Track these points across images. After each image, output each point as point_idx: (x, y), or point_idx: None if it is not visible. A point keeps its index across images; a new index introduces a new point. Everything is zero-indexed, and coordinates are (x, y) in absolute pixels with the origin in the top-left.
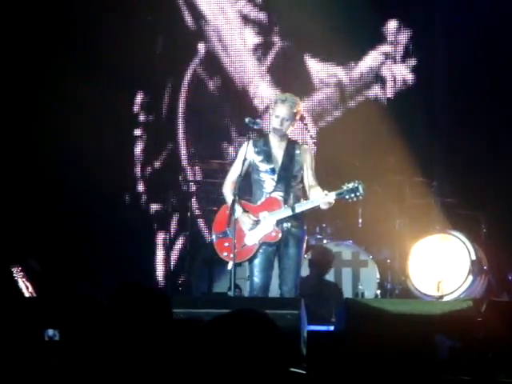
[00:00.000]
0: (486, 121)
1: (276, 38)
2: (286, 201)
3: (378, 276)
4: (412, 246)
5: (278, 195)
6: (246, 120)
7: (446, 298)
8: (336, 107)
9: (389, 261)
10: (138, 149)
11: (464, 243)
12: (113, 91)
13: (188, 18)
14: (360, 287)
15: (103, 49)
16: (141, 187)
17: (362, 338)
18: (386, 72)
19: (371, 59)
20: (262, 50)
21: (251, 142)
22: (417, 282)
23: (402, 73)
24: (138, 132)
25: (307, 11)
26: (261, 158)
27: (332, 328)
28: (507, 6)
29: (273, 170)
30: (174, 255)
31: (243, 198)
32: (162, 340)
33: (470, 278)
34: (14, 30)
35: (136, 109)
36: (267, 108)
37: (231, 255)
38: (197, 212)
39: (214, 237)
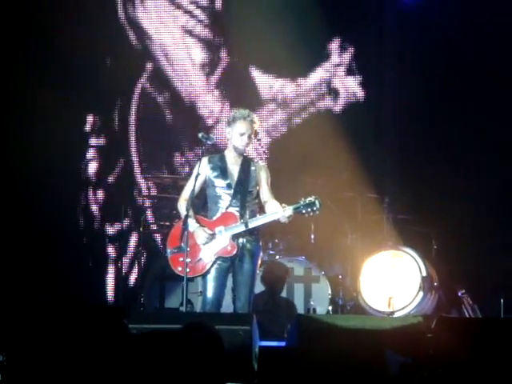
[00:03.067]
0: (437, 137)
1: (223, 54)
2: (241, 216)
3: (330, 292)
4: (363, 262)
5: (234, 210)
6: (200, 135)
7: (396, 314)
8: (283, 122)
9: (340, 277)
10: (91, 171)
11: (415, 259)
12: (62, 114)
13: (132, 37)
14: (312, 303)
15: (56, 71)
16: (94, 207)
17: (314, 354)
18: (337, 85)
19: (319, 74)
20: (209, 65)
21: (206, 158)
22: (368, 297)
23: (351, 87)
24: (89, 155)
25: (255, 27)
26: (216, 173)
27: (284, 344)
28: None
29: (229, 186)
30: (130, 271)
31: (199, 213)
32: (116, 354)
33: (421, 294)
34: None
35: (87, 131)
36: (217, 122)
37: (186, 270)
38: (151, 227)
39: (168, 252)
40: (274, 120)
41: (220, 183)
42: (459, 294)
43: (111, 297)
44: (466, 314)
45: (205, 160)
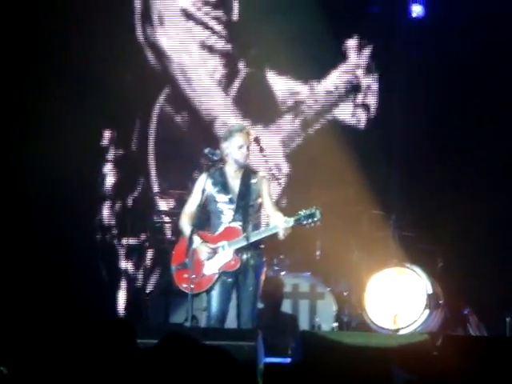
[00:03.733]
0: (445, 155)
1: (241, 65)
2: (244, 230)
3: (335, 308)
4: (369, 279)
5: (237, 225)
6: (206, 151)
7: (401, 332)
8: (299, 132)
9: (346, 293)
10: (109, 185)
11: (421, 277)
12: (81, 129)
13: (151, 57)
14: (317, 320)
15: (72, 85)
16: (111, 221)
17: (319, 370)
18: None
19: (338, 75)
20: (227, 79)
21: (207, 173)
22: (373, 315)
23: (363, 100)
24: (106, 169)
25: (270, 33)
26: (217, 188)
27: (289, 360)
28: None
29: (230, 200)
30: (145, 286)
31: (203, 229)
32: (126, 369)
33: (427, 312)
34: None
35: (105, 145)
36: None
37: (191, 286)
38: (168, 243)
39: (172, 269)
40: (292, 129)
41: (221, 198)
42: (465, 312)
43: (122, 312)
44: (472, 332)
45: (204, 176)
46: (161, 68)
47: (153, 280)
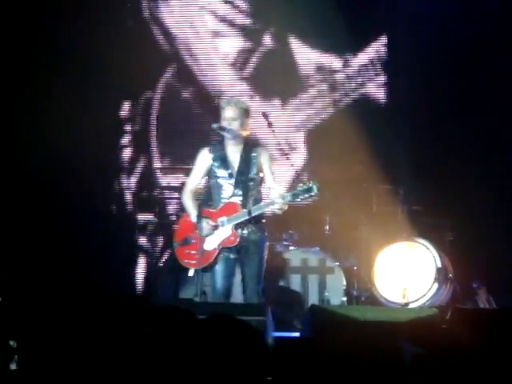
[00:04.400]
0: (453, 129)
1: (263, 39)
2: (244, 205)
3: (345, 283)
4: (378, 254)
5: (237, 200)
6: (214, 126)
7: (411, 305)
8: (325, 108)
9: (355, 268)
10: (125, 158)
11: (430, 251)
12: (98, 101)
13: (157, 33)
14: (326, 294)
15: (86, 59)
16: (128, 197)
17: (328, 345)
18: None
19: (371, 51)
20: (245, 54)
21: (207, 148)
22: (382, 289)
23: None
24: (124, 141)
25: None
26: (217, 163)
27: (298, 334)
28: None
29: (230, 175)
30: (158, 261)
31: (204, 204)
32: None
33: (436, 285)
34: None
35: (123, 117)
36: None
37: (192, 261)
38: (171, 218)
39: (174, 245)
40: (313, 109)
41: (221, 173)
42: (474, 286)
43: (140, 288)
44: (481, 305)
45: (205, 151)
46: (167, 44)
47: (164, 256)
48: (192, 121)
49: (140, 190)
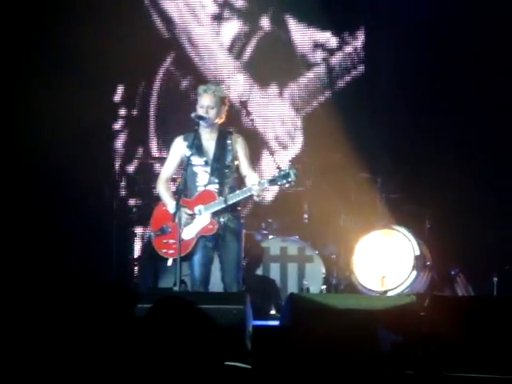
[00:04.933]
0: (431, 114)
1: (261, 22)
2: (220, 193)
3: (324, 271)
4: (357, 242)
5: (213, 187)
6: (193, 115)
7: (389, 293)
8: (316, 95)
9: (334, 256)
10: (119, 143)
11: (408, 239)
12: (93, 84)
13: (157, 20)
14: (305, 282)
15: (80, 45)
16: (122, 182)
17: (307, 333)
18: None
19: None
20: (240, 40)
21: (182, 136)
22: (361, 277)
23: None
24: (118, 126)
25: None
26: (192, 151)
27: (277, 323)
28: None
29: (206, 163)
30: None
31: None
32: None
33: (414, 273)
34: None
35: (116, 101)
36: (245, 102)
37: (170, 251)
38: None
39: (152, 235)
40: (310, 89)
41: (197, 161)
42: (452, 273)
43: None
44: (459, 292)
45: (180, 139)
46: (167, 31)
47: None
48: (190, 110)
49: (133, 176)
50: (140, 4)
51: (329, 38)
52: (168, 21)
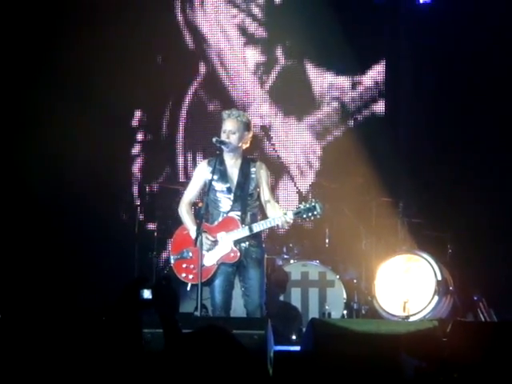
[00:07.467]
0: (452, 139)
1: (279, 54)
2: (243, 220)
3: (345, 296)
4: (378, 266)
5: (235, 214)
6: (214, 140)
7: (411, 318)
8: (337, 125)
9: (355, 281)
10: (136, 167)
11: (430, 264)
12: (111, 109)
13: (189, 39)
14: (327, 307)
15: (100, 67)
16: (138, 206)
17: (329, 358)
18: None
19: (374, 73)
20: (263, 68)
21: (206, 161)
22: (383, 302)
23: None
24: (135, 151)
25: (310, 23)
26: (216, 177)
27: (299, 348)
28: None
29: (229, 190)
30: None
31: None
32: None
33: (436, 298)
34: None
35: (134, 126)
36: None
37: (190, 276)
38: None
39: (171, 258)
40: (326, 123)
41: (220, 187)
42: (474, 298)
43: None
44: (482, 318)
45: (204, 163)
46: (198, 51)
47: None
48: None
49: (152, 200)
50: (169, 19)
51: (346, 78)
52: (199, 36)
